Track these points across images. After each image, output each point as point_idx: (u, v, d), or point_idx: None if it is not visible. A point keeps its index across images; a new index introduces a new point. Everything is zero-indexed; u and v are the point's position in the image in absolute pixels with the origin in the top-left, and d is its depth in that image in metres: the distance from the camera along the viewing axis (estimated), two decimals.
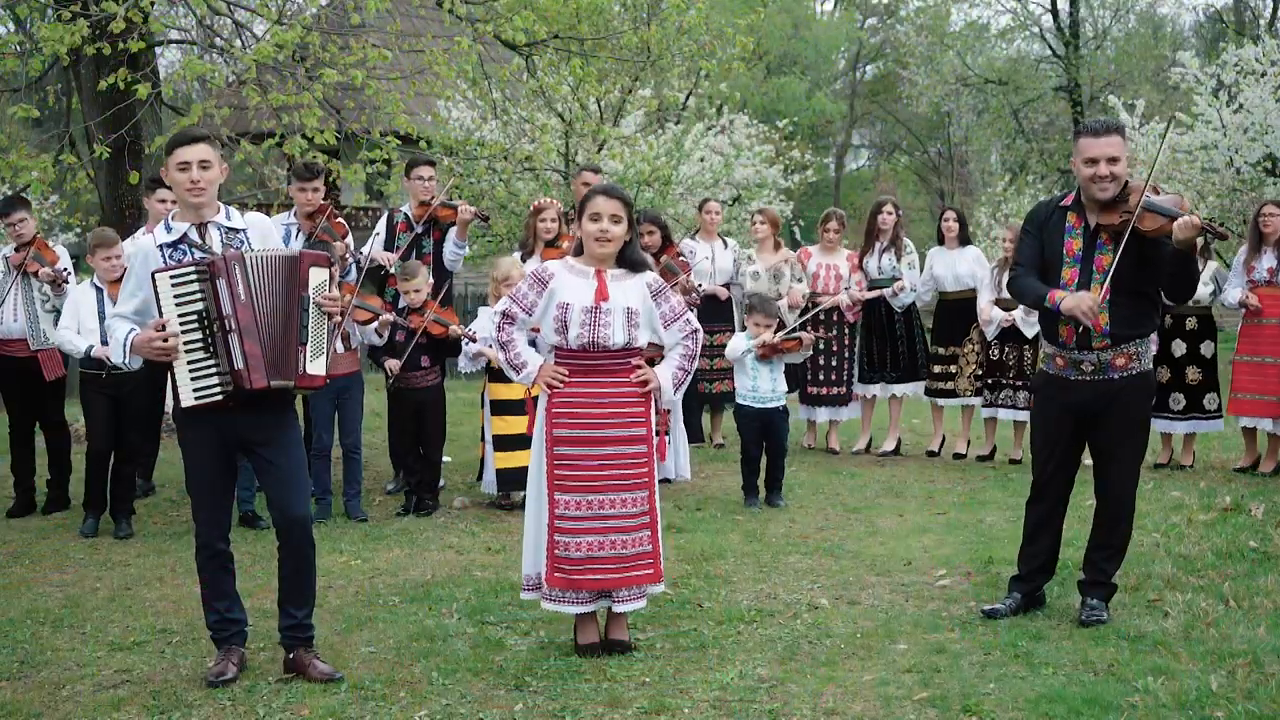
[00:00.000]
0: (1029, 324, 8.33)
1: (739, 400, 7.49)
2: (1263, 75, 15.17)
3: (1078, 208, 4.77)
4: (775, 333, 7.41)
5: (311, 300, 4.22)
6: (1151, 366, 4.83)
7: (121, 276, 6.71)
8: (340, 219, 7.82)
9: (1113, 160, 4.61)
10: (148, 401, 7.22)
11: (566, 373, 4.46)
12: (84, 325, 6.72)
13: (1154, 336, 8.14)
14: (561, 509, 4.44)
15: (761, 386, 7.37)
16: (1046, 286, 4.73)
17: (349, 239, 7.69)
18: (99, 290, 6.78)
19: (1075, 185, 4.83)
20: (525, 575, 4.62)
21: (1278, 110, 14.97)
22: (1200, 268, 8.20)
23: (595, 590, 4.47)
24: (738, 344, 7.35)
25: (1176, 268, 4.58)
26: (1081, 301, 4.57)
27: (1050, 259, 4.80)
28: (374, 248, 7.96)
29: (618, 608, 4.52)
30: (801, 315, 8.75)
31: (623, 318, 4.45)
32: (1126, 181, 4.67)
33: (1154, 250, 4.61)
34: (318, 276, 4.25)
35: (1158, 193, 4.65)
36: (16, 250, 7.31)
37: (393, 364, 7.10)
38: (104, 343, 6.61)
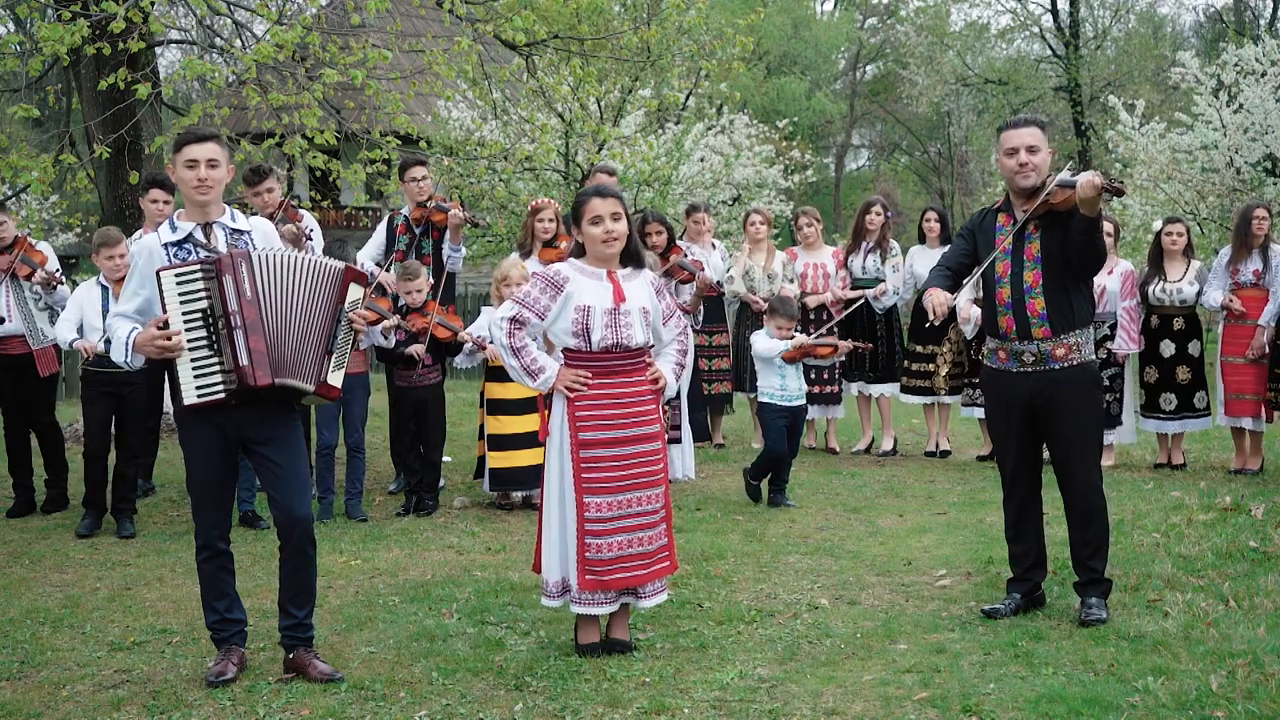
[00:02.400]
0: (969, 324, 8.33)
1: (765, 399, 7.45)
2: (1263, 75, 15.16)
3: (1007, 207, 4.93)
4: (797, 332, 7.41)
5: (345, 314, 4.27)
6: (1093, 359, 4.88)
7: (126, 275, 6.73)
8: (297, 209, 7.89)
9: (1031, 149, 4.78)
10: (147, 403, 7.22)
11: (589, 375, 4.47)
12: (89, 323, 6.73)
13: (1126, 335, 8.23)
14: (593, 511, 4.44)
15: (790, 385, 7.38)
16: (936, 282, 4.94)
17: (303, 222, 7.74)
18: (104, 289, 6.79)
19: (1005, 190, 5.00)
20: (549, 582, 4.55)
21: (1278, 110, 14.97)
22: (1185, 267, 8.32)
23: (625, 588, 4.49)
24: (772, 345, 7.31)
25: (1081, 234, 4.65)
26: (934, 294, 4.80)
27: (984, 257, 4.92)
28: (369, 255, 8.01)
29: (643, 604, 4.56)
30: (803, 318, 8.75)
31: (640, 318, 4.50)
32: (1050, 175, 4.78)
33: (1068, 224, 4.70)
34: (355, 292, 4.33)
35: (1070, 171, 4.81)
36: (1, 253, 7.30)
37: (417, 349, 7.08)
38: (108, 341, 6.62)
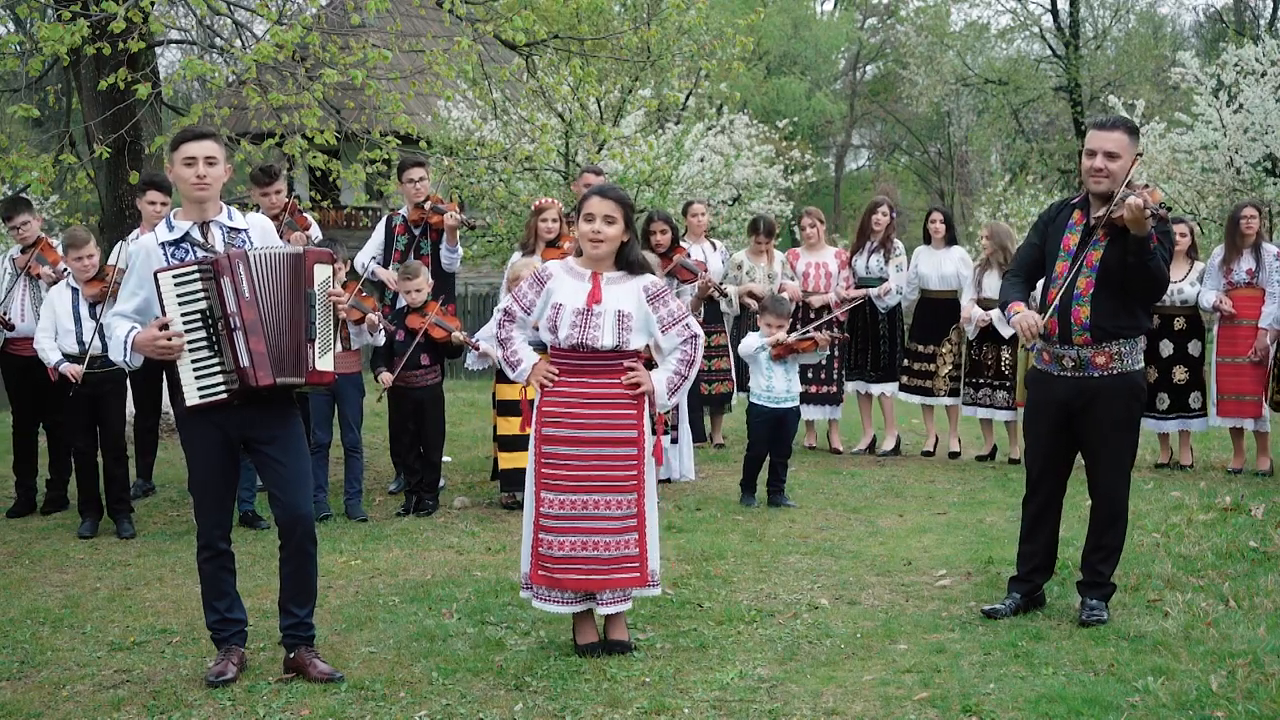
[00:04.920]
0: (1005, 324, 8.37)
1: (752, 399, 7.47)
2: (1263, 75, 15.18)
3: (1084, 205, 4.86)
4: (789, 332, 7.41)
5: (317, 297, 4.23)
6: (1138, 368, 4.83)
7: (95, 275, 6.74)
8: (303, 213, 7.88)
9: (1110, 155, 4.67)
10: (122, 401, 7.17)
11: (557, 371, 4.48)
12: (61, 325, 6.74)
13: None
14: (546, 507, 4.45)
15: (776, 386, 7.35)
16: (1018, 295, 4.88)
17: (312, 229, 7.74)
18: (74, 291, 6.79)
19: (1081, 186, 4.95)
20: (522, 574, 4.64)
21: (1278, 110, 14.98)
22: (1188, 269, 8.33)
23: (578, 590, 4.48)
24: (751, 341, 7.34)
25: (1133, 255, 4.60)
26: (1024, 319, 4.72)
27: (1049, 253, 4.89)
28: (369, 255, 7.99)
29: (600, 609, 4.53)
30: (804, 317, 8.76)
31: (614, 320, 4.44)
32: (1131, 182, 4.69)
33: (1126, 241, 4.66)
34: (322, 273, 4.28)
35: (1146, 188, 4.70)
36: (22, 252, 7.33)
37: (385, 378, 7.10)
38: (80, 341, 6.66)
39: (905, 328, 9.38)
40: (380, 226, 8.23)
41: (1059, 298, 4.75)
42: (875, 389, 9.26)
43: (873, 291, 9.02)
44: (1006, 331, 8.45)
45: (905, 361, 9.14)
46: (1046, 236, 4.91)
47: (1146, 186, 4.67)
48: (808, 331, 7.60)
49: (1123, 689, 4.00)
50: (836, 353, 9.06)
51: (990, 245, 8.67)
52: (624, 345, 4.47)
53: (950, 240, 9.09)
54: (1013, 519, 6.30)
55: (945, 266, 8.96)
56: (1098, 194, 4.72)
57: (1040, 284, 5.04)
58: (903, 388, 9.15)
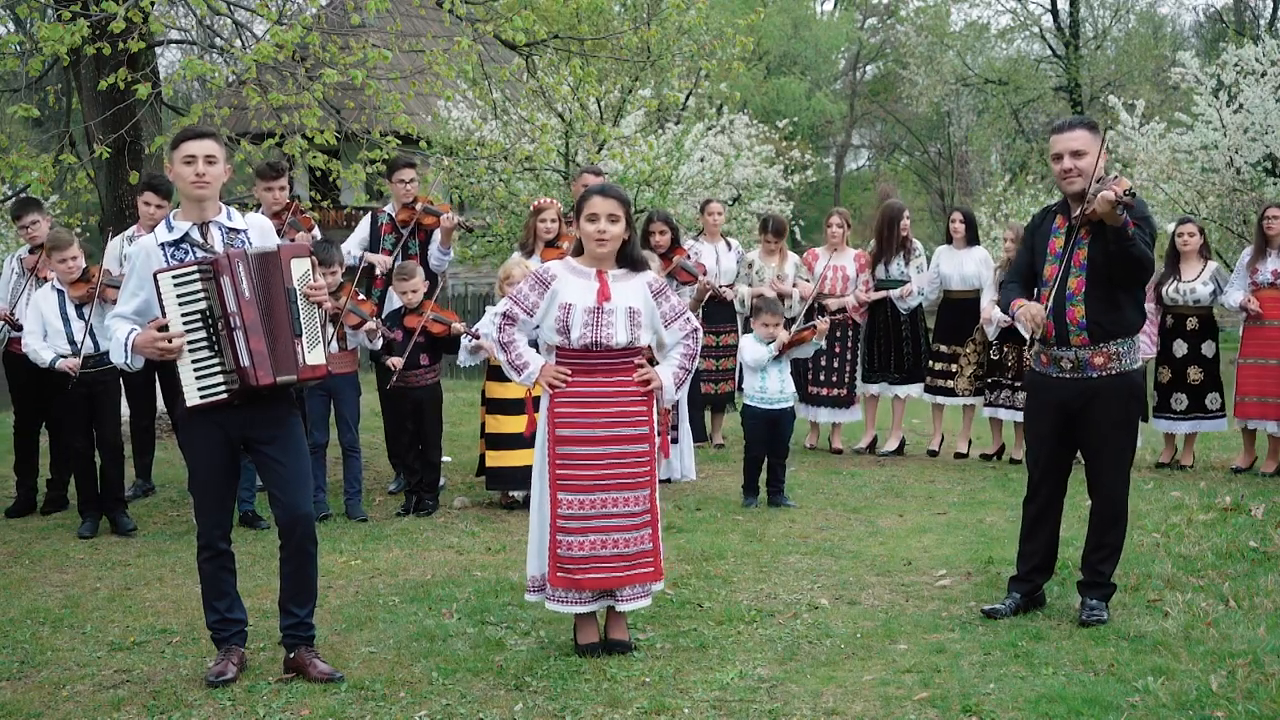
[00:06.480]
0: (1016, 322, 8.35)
1: (747, 401, 7.47)
2: (1263, 75, 15.19)
3: (1063, 208, 4.90)
4: (787, 329, 7.40)
5: (298, 292, 4.23)
6: (1136, 368, 4.85)
7: (81, 277, 6.74)
8: (306, 213, 7.86)
9: (1076, 154, 4.72)
10: (116, 399, 7.18)
11: (569, 373, 4.47)
12: (50, 327, 6.74)
13: (1148, 339, 8.22)
14: (564, 508, 4.44)
15: (770, 387, 7.34)
16: (1017, 294, 4.93)
17: (315, 230, 7.72)
18: (60, 293, 6.79)
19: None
20: (530, 577, 4.62)
21: (1278, 110, 14.99)
22: (1201, 268, 8.32)
23: (598, 590, 4.48)
24: (759, 351, 7.30)
25: (1113, 244, 4.61)
26: (1028, 308, 4.77)
27: (1039, 259, 4.93)
28: (357, 244, 7.97)
29: (621, 606, 4.53)
30: (806, 311, 8.75)
31: (625, 317, 4.46)
32: (1101, 177, 4.72)
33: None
34: (300, 267, 4.26)
35: (1115, 179, 4.73)
36: (30, 252, 7.33)
37: (394, 361, 7.10)
38: (72, 342, 6.67)
39: (927, 329, 9.37)
40: (365, 222, 8.19)
41: (1052, 299, 4.77)
42: (901, 391, 9.24)
43: (894, 293, 9.00)
44: (1027, 331, 8.43)
45: (930, 363, 9.13)
46: (1034, 246, 4.96)
47: (1115, 178, 4.69)
48: (803, 324, 7.59)
49: (1123, 689, 4.00)
50: (850, 355, 9.04)
51: (1013, 248, 8.63)
52: (635, 342, 4.50)
53: (972, 240, 9.07)
54: (1013, 519, 6.30)
55: (967, 266, 8.94)
56: (1074, 194, 4.76)
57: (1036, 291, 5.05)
58: (927, 389, 9.13)
